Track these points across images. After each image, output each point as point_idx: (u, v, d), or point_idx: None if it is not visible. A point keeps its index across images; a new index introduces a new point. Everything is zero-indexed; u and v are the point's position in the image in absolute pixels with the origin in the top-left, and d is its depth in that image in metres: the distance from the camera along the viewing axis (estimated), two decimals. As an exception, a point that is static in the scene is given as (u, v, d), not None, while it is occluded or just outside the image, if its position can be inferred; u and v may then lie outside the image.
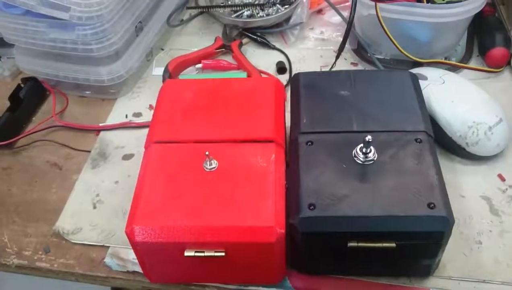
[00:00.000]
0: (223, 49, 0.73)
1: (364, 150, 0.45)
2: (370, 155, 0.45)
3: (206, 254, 0.41)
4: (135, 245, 0.42)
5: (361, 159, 0.45)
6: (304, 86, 0.53)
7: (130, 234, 0.42)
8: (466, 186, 0.53)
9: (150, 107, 0.66)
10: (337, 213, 0.41)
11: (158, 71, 0.71)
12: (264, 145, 0.47)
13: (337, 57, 0.68)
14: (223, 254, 0.41)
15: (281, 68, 0.70)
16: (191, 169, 0.45)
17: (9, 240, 0.53)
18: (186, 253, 0.42)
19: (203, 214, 0.42)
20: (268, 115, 0.50)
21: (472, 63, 0.68)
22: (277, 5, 0.76)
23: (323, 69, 0.69)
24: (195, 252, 0.42)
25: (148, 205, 0.43)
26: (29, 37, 0.63)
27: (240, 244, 0.41)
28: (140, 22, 0.68)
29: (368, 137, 0.43)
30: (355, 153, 0.45)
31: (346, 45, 0.67)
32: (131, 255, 0.49)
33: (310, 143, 0.47)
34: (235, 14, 0.77)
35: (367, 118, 0.49)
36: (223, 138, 0.48)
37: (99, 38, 0.61)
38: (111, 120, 0.65)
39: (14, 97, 0.65)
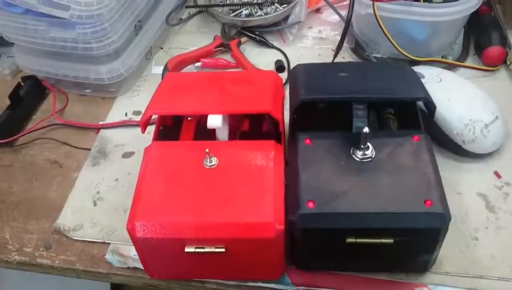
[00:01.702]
0: (222, 48, 0.73)
1: (361, 146, 0.45)
2: (368, 152, 0.45)
3: (207, 250, 0.42)
4: (136, 241, 0.43)
5: (359, 156, 0.45)
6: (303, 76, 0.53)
7: (131, 230, 0.42)
8: (463, 183, 0.54)
9: (150, 105, 0.66)
10: (336, 210, 0.42)
11: (158, 69, 0.71)
12: (263, 142, 0.48)
13: (335, 55, 0.69)
14: (223, 250, 0.42)
15: (279, 67, 0.70)
16: (191, 166, 0.46)
17: (11, 237, 0.53)
18: (187, 249, 0.42)
19: (203, 210, 0.42)
20: (266, 94, 0.51)
21: (469, 62, 0.69)
22: (276, 4, 0.77)
23: (321, 68, 0.70)
24: (196, 248, 0.42)
25: (149, 202, 0.43)
26: (29, 35, 0.63)
27: (240, 240, 0.42)
28: (139, 21, 0.68)
29: (366, 129, 0.44)
30: (353, 151, 0.46)
31: (344, 44, 0.68)
32: (131, 251, 0.50)
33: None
34: (234, 13, 0.77)
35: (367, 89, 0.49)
36: (221, 110, 0.49)
37: (99, 36, 0.61)
38: (111, 118, 0.65)
39: (14, 95, 0.66)
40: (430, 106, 0.48)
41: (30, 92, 0.68)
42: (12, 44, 0.68)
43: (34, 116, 0.67)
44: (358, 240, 0.42)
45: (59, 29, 0.61)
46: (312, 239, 0.44)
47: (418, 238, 0.43)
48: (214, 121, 0.48)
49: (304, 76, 0.52)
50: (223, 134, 0.51)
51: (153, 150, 0.48)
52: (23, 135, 0.64)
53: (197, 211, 0.42)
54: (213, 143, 0.49)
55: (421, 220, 0.42)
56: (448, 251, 0.48)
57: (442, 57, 0.68)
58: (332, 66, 0.54)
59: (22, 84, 0.68)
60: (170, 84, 0.54)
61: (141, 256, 0.46)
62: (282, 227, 0.42)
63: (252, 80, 0.54)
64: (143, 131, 0.51)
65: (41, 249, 0.52)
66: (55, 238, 0.53)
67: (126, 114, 0.65)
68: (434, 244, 0.44)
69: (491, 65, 0.67)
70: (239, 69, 0.70)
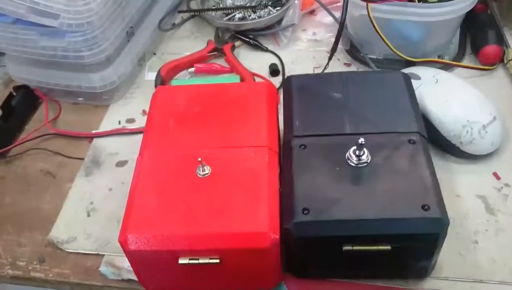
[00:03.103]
0: (216, 53, 0.73)
1: (357, 152, 0.44)
2: (364, 157, 0.44)
3: (201, 261, 0.41)
4: (128, 254, 0.42)
5: (355, 161, 0.45)
6: (296, 89, 0.53)
7: (123, 243, 0.41)
8: (461, 185, 0.53)
9: (143, 112, 0.65)
10: (331, 217, 0.41)
11: (151, 76, 0.71)
12: (257, 149, 0.47)
13: (330, 58, 0.68)
14: (217, 261, 0.41)
15: (274, 71, 0.70)
16: (184, 176, 0.45)
17: (3, 251, 0.53)
18: (180, 261, 0.41)
19: (196, 221, 0.42)
20: (261, 122, 0.49)
21: (465, 61, 0.68)
22: (269, 7, 0.76)
23: (316, 70, 0.69)
24: (189, 259, 0.41)
25: (141, 213, 0.43)
26: (20, 45, 0.63)
27: (235, 251, 0.41)
28: (131, 27, 0.68)
29: (361, 140, 0.43)
30: (348, 156, 0.45)
31: (338, 46, 0.67)
32: (126, 263, 0.49)
33: (303, 146, 0.47)
34: (227, 17, 0.76)
35: (360, 120, 0.49)
36: (216, 146, 0.48)
37: (89, 44, 0.60)
38: (104, 126, 0.64)
39: (6, 105, 0.65)
40: (423, 138, 0.47)
41: (22, 102, 0.67)
42: (3, 53, 0.67)
43: (26, 126, 0.66)
44: (355, 248, 0.41)
45: (49, 38, 0.60)
46: (308, 248, 0.43)
47: (416, 243, 0.42)
48: None
49: (297, 99, 0.52)
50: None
51: (145, 159, 0.47)
52: (15, 146, 0.63)
53: (190, 221, 0.42)
54: (206, 151, 0.48)
55: (419, 225, 0.41)
56: (448, 255, 0.47)
57: (438, 57, 0.67)
58: (326, 80, 0.53)
59: (14, 94, 0.67)
60: (162, 107, 0.52)
61: (135, 268, 0.45)
62: (277, 236, 0.41)
63: (246, 99, 0.52)
64: None
65: (35, 262, 0.51)
66: (49, 251, 0.52)
67: (119, 122, 0.65)
68: (432, 249, 0.43)
69: (488, 64, 0.66)
70: (233, 74, 0.69)
